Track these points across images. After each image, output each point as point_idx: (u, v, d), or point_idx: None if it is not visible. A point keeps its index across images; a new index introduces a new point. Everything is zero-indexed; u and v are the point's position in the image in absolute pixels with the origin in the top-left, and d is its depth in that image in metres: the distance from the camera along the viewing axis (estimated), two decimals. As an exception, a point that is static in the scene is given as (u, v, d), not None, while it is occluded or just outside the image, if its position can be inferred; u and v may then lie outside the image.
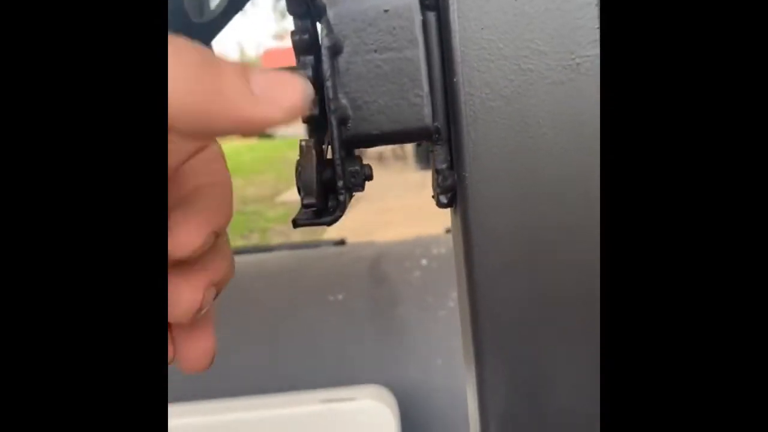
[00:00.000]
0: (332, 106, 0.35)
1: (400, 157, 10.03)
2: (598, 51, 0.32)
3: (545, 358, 0.35)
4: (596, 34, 0.32)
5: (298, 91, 0.27)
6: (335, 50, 0.35)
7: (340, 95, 0.36)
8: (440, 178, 0.37)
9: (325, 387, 1.06)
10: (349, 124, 0.36)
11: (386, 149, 9.90)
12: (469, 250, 0.34)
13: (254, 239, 6.29)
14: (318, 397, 1.02)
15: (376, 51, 0.35)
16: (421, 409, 1.07)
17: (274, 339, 1.15)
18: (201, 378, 1.07)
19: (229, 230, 0.35)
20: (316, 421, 1.00)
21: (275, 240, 6.10)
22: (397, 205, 7.02)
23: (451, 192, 0.37)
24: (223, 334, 1.20)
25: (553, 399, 0.35)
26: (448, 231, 1.41)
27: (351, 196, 0.37)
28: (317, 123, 0.36)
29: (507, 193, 0.34)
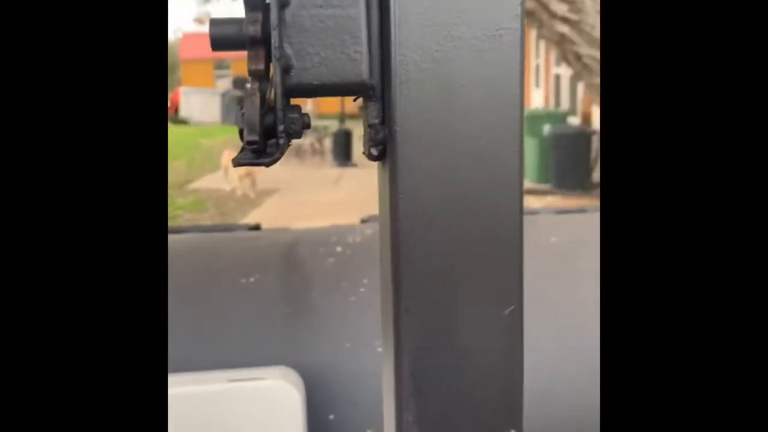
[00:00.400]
0: (277, 54, 0.37)
1: (318, 152, 10.01)
2: (518, 24, 0.36)
3: (463, 298, 0.38)
4: (518, 9, 0.36)
5: None
6: (283, 3, 0.37)
7: (285, 45, 0.38)
8: (372, 132, 0.40)
9: (233, 368, 1.07)
10: (292, 73, 0.38)
11: (304, 143, 9.83)
12: (395, 200, 0.37)
13: (162, 225, 6.09)
14: (225, 376, 1.03)
15: (321, 6, 0.38)
16: (327, 390, 1.10)
17: (184, 319, 1.14)
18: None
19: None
20: (222, 399, 1.00)
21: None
22: (313, 199, 7.01)
23: (381, 145, 0.40)
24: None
25: (465, 337, 0.38)
26: (363, 221, 1.44)
27: (289, 144, 0.40)
28: (261, 73, 0.38)
29: (434, 146, 0.37)
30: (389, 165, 0.39)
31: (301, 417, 1.02)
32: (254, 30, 0.37)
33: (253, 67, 0.37)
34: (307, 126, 0.40)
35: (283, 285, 1.19)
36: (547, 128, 6.97)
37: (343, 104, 10.10)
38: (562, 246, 1.28)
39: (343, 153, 9.23)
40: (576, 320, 1.17)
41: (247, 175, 7.43)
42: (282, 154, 0.38)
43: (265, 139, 0.38)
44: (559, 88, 8.55)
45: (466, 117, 0.36)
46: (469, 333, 0.37)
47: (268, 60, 0.38)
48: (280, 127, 0.38)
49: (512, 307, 0.36)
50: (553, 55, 8.17)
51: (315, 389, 1.10)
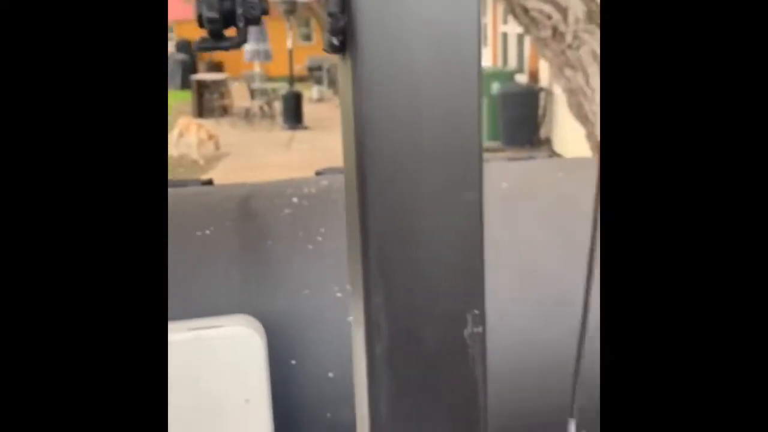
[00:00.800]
0: None
1: (268, 116, 9.86)
2: None
3: (426, 184, 0.38)
4: None
5: None
6: None
7: None
8: (332, 21, 0.40)
9: (193, 318, 1.07)
10: None
11: (253, 106, 9.67)
12: (358, 92, 0.38)
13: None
14: (186, 326, 1.03)
15: None
16: (288, 336, 1.11)
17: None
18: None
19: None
20: (185, 348, 1.01)
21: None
22: (265, 163, 6.93)
23: (341, 35, 0.40)
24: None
25: (427, 223, 0.38)
26: (318, 173, 1.44)
27: (247, 30, 0.40)
28: None
29: (396, 35, 0.37)
30: (350, 55, 0.39)
31: (264, 363, 1.04)
32: None
33: None
34: (266, 12, 0.40)
35: (240, 236, 1.19)
36: (495, 87, 7.02)
37: (291, 67, 9.92)
38: (514, 191, 1.31)
39: (293, 115, 9.10)
40: (529, 262, 1.21)
41: (210, 138, 7.17)
42: (244, 39, 0.39)
43: (225, 23, 0.38)
44: (506, 46, 8.60)
45: (424, 4, 0.37)
46: (431, 219, 0.38)
47: None
48: (239, 11, 0.38)
49: (471, 192, 0.37)
50: (500, 13, 8.18)
51: (276, 336, 1.11)
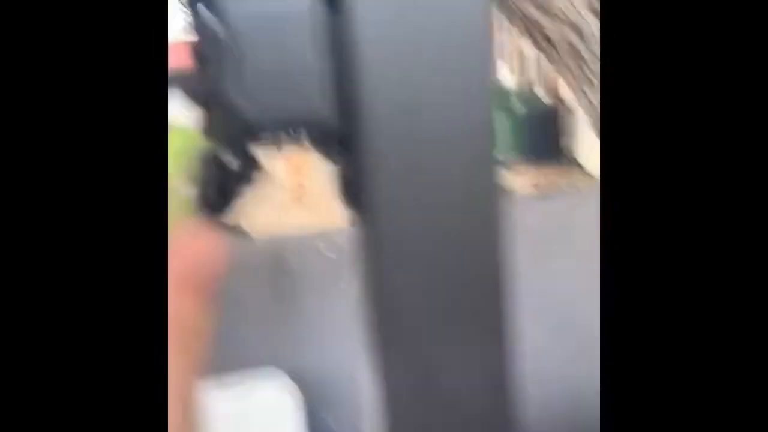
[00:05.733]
0: (225, 101, 0.33)
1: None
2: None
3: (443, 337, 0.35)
4: None
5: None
6: (228, 46, 0.34)
7: (232, 89, 0.34)
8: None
9: (220, 371, 1.06)
10: (243, 111, 0.34)
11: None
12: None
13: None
14: (218, 382, 1.03)
15: (271, 46, 0.35)
16: (320, 390, 1.11)
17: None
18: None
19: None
20: (218, 406, 1.01)
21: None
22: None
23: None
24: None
25: (449, 381, 0.34)
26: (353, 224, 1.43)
27: (240, 193, 0.36)
28: (210, 114, 0.35)
29: (403, 135, 0.33)
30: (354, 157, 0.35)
31: (298, 421, 1.03)
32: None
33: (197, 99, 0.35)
34: (261, 171, 0.36)
35: (273, 288, 1.19)
36: (515, 103, 7.01)
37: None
38: (545, 231, 1.29)
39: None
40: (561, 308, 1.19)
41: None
42: (232, 207, 0.34)
43: (216, 190, 0.35)
44: (524, 62, 8.58)
45: (432, 91, 0.34)
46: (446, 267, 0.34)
47: (216, 95, 0.34)
48: (230, 176, 0.34)
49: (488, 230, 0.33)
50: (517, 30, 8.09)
51: (308, 391, 1.10)
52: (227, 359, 1.12)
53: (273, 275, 1.21)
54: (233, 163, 0.34)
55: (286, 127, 0.35)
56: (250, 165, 0.36)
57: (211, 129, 0.36)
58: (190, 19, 0.35)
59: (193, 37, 0.35)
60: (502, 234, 0.34)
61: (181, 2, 0.34)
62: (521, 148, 7.19)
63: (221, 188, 0.35)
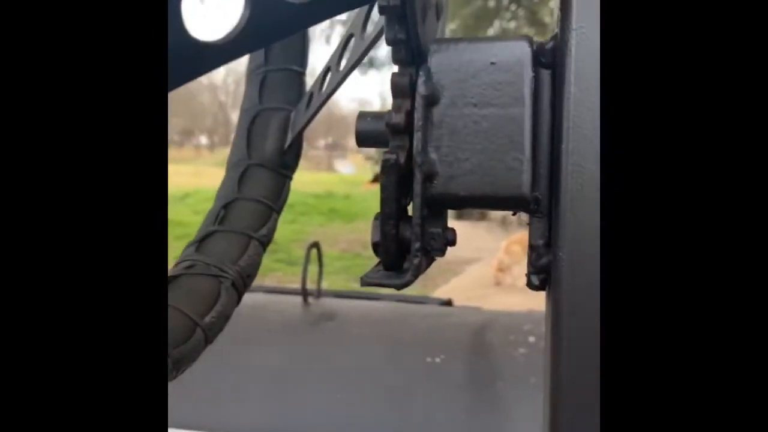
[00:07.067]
0: (419, 160, 0.32)
1: (524, 224, 9.84)
2: None
3: None
4: None
5: None
6: (431, 100, 0.33)
7: (430, 149, 0.33)
8: (534, 255, 0.33)
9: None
10: (436, 182, 0.33)
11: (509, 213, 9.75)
12: (557, 345, 0.30)
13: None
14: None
15: (476, 105, 0.32)
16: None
17: (366, 389, 1.13)
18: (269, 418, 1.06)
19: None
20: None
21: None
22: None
23: (544, 273, 0.33)
24: (318, 372, 1.18)
25: None
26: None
27: (429, 261, 0.35)
28: (403, 175, 0.33)
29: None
30: (552, 298, 0.32)
31: None
32: (398, 118, 0.33)
33: (391, 161, 0.32)
34: (452, 243, 0.34)
35: (470, 370, 1.13)
36: None
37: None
38: None
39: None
40: None
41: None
42: (417, 275, 0.33)
43: (401, 255, 0.33)
44: None
45: None
46: None
47: (410, 159, 0.33)
48: (416, 245, 0.33)
49: None
50: None
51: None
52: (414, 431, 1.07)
53: (473, 354, 1.15)
54: (418, 226, 0.32)
55: (480, 200, 0.33)
56: (438, 233, 0.34)
57: (401, 181, 0.34)
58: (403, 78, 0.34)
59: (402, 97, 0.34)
60: None
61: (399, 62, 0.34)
62: None
63: (402, 250, 0.34)
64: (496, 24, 9.78)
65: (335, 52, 0.49)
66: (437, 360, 1.14)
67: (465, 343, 1.18)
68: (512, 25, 10.21)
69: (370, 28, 0.44)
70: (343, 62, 0.48)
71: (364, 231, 9.35)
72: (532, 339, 1.15)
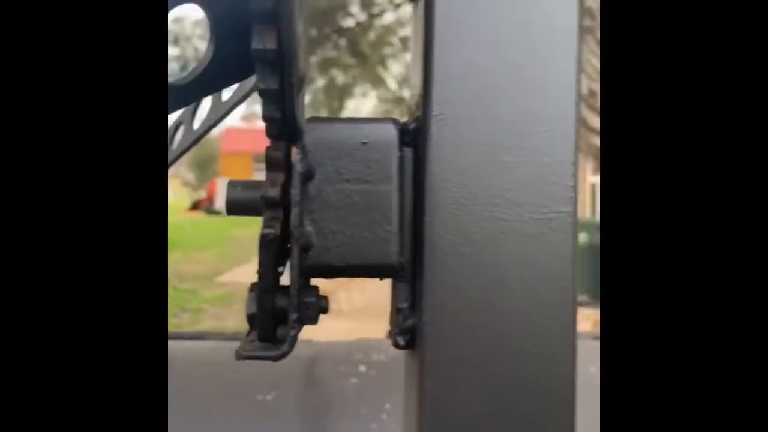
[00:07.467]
0: (297, 234, 0.34)
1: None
2: (571, 208, 0.32)
3: None
4: (571, 192, 0.32)
5: None
6: (307, 176, 0.34)
7: (306, 222, 0.35)
8: (400, 317, 0.35)
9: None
10: (311, 253, 0.35)
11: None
12: (422, 403, 0.32)
13: (186, 319, 6.00)
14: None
15: (348, 181, 0.34)
16: None
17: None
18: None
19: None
20: None
21: (207, 323, 5.84)
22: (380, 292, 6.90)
23: (409, 335, 0.35)
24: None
25: None
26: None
27: (300, 330, 0.36)
28: (278, 245, 0.34)
29: (469, 345, 0.32)
30: (417, 359, 0.34)
31: None
32: (273, 192, 0.34)
33: (270, 236, 0.33)
34: (324, 311, 0.36)
35: (301, 405, 1.12)
36: (583, 237, 6.89)
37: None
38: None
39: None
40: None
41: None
42: (292, 346, 0.34)
43: (275, 324, 0.34)
44: (594, 196, 8.54)
45: (510, 312, 0.32)
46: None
47: (286, 231, 0.34)
48: (293, 316, 0.34)
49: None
50: (590, 166, 8.18)
51: None
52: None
53: (303, 388, 1.14)
54: (295, 297, 0.34)
55: (354, 269, 0.35)
56: (312, 302, 0.36)
57: (276, 251, 0.34)
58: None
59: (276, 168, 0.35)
60: (573, 377, 0.32)
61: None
62: (585, 281, 7.00)
63: (277, 319, 0.35)
64: (319, 52, 9.96)
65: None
66: (268, 397, 1.12)
67: (296, 377, 1.18)
68: (334, 53, 10.47)
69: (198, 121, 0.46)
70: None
71: (181, 262, 8.92)
72: (362, 368, 1.17)
